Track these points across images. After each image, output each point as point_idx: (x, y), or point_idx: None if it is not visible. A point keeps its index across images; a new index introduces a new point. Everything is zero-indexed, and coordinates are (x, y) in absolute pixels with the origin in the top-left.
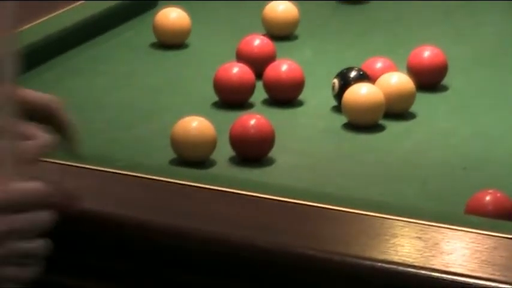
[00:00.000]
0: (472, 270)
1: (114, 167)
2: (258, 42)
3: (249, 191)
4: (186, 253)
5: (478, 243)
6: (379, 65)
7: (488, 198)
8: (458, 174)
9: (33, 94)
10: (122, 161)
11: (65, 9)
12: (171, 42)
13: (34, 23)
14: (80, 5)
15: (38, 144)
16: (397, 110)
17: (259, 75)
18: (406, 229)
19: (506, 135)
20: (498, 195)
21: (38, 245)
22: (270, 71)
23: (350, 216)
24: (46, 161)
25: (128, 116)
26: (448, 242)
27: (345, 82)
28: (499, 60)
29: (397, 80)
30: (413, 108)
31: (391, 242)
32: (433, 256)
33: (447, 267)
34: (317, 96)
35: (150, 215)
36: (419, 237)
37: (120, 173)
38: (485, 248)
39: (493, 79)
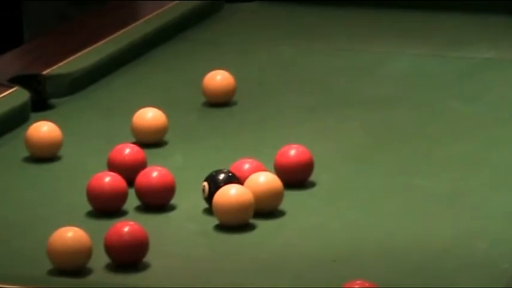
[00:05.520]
0: None
1: None
2: (128, 150)
3: None
4: None
5: None
6: (247, 166)
7: None
8: (328, 267)
9: None
10: None
11: None
12: (43, 156)
13: None
14: None
15: None
16: (266, 208)
17: (131, 182)
18: None
19: (372, 226)
20: (366, 285)
21: None
22: (141, 178)
23: None
24: None
25: (3, 230)
26: None
27: (215, 184)
28: (362, 154)
29: (265, 180)
30: (283, 206)
31: None
32: None
33: None
34: (188, 200)
35: None
36: None
37: None
38: None
39: (358, 172)
